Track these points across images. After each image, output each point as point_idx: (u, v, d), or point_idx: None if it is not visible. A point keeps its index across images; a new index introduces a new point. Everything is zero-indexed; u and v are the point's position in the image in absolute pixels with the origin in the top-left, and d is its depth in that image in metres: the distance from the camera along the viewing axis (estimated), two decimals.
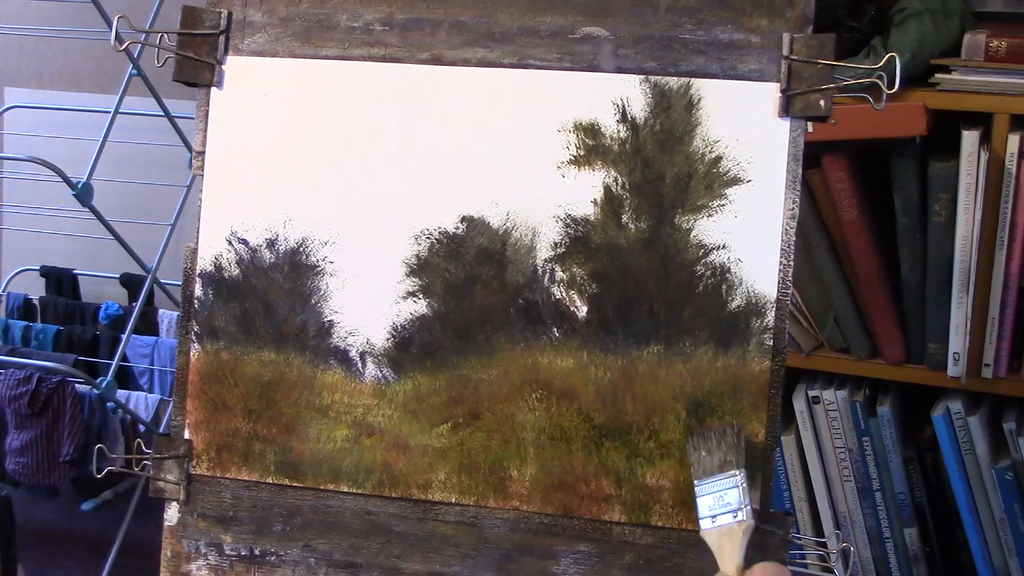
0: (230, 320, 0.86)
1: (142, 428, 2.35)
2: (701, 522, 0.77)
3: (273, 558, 0.87)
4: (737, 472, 0.76)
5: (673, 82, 0.81)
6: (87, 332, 2.57)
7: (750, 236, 0.80)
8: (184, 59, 0.86)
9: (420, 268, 0.84)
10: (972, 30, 1.44)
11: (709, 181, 0.81)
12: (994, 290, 1.41)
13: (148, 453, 0.88)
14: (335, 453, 0.85)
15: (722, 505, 0.75)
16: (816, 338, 1.55)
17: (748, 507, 0.75)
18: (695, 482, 0.78)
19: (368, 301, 0.85)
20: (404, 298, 0.84)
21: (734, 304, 0.81)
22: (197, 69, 0.87)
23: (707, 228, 0.81)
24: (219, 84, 0.87)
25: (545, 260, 0.83)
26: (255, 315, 0.86)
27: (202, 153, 0.87)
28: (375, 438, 0.85)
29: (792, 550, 0.81)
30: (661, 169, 0.81)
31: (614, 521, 0.82)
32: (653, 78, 0.82)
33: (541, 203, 0.83)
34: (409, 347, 0.84)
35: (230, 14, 0.87)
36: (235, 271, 0.86)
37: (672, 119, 0.81)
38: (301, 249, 0.86)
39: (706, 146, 0.81)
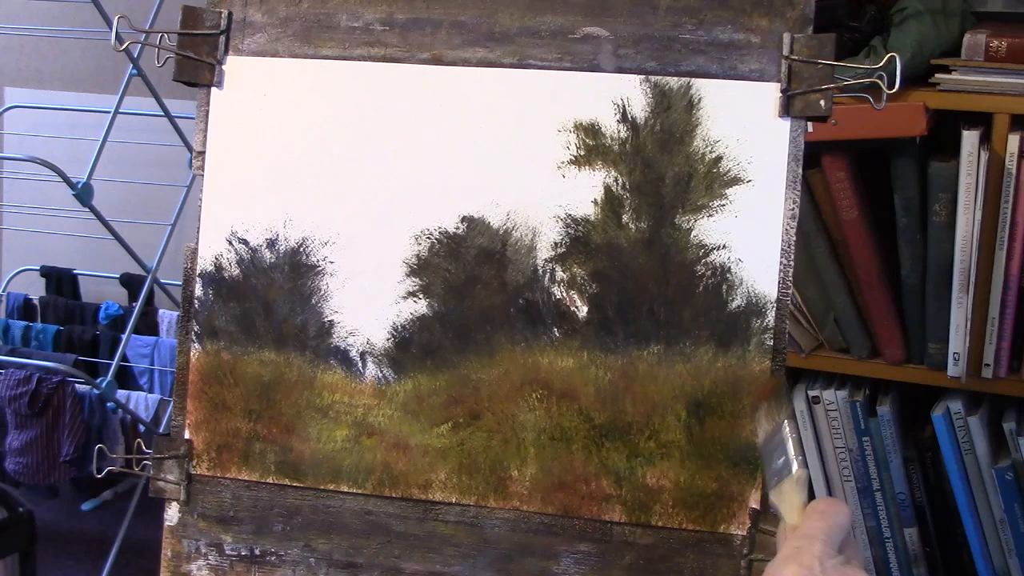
0: (230, 320, 0.86)
1: (142, 428, 2.35)
2: (769, 484, 0.74)
3: (273, 558, 0.87)
4: (783, 424, 0.74)
5: (673, 82, 0.81)
6: (87, 332, 2.57)
7: (750, 236, 0.80)
8: (184, 59, 0.86)
9: (420, 268, 0.84)
10: (972, 30, 1.44)
11: (709, 181, 0.81)
12: (994, 290, 1.41)
13: (148, 453, 0.88)
14: (335, 453, 0.85)
15: (779, 462, 0.73)
16: (816, 338, 1.55)
17: (799, 457, 0.72)
18: (761, 445, 0.76)
19: (368, 301, 0.85)
20: (404, 298, 0.84)
21: (734, 304, 0.81)
22: (197, 69, 0.87)
23: (707, 228, 0.81)
24: (219, 84, 0.87)
25: (545, 260, 0.83)
26: (255, 315, 0.86)
27: (202, 153, 0.87)
28: (375, 438, 0.85)
29: None
30: (661, 169, 0.81)
31: (614, 521, 0.82)
32: (653, 78, 0.82)
33: (541, 203, 0.83)
34: (409, 347, 0.84)
35: (230, 14, 0.87)
36: (235, 271, 0.86)
37: (672, 119, 0.81)
38: (301, 249, 0.86)
39: (706, 146, 0.81)
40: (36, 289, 2.76)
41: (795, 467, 0.72)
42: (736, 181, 0.81)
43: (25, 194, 2.66)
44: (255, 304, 0.86)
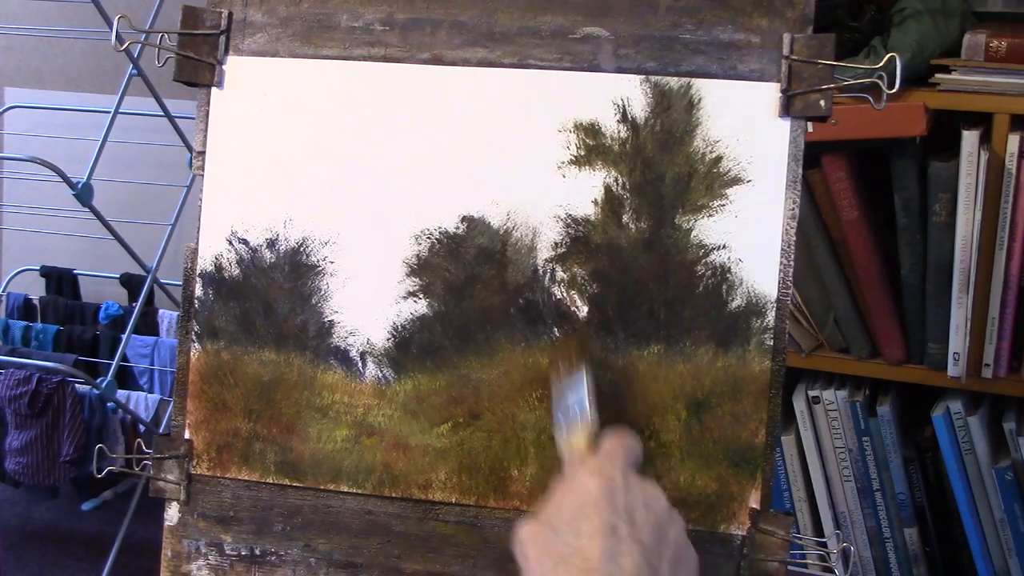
0: (230, 320, 0.86)
1: (142, 428, 2.35)
2: (556, 423, 0.76)
3: (273, 558, 0.87)
4: (583, 373, 0.75)
5: (673, 82, 0.81)
6: (87, 332, 2.57)
7: (750, 236, 0.80)
8: (184, 59, 0.86)
9: (420, 268, 0.84)
10: (972, 30, 1.44)
11: (709, 181, 0.81)
12: (994, 290, 1.41)
13: (148, 453, 0.88)
14: (335, 453, 0.85)
15: (572, 404, 0.75)
16: (816, 338, 1.55)
17: (589, 407, 0.73)
18: (558, 385, 0.77)
19: (368, 301, 0.85)
20: (404, 298, 0.84)
21: (734, 304, 0.81)
22: (197, 69, 0.87)
23: (707, 228, 0.81)
24: (219, 84, 0.87)
25: (545, 260, 0.83)
26: (255, 315, 0.86)
27: (202, 153, 0.87)
28: (375, 438, 0.85)
29: (792, 550, 0.81)
30: (661, 169, 0.81)
31: None
32: (653, 78, 0.82)
33: (541, 203, 0.83)
34: (409, 347, 0.84)
35: (230, 14, 0.87)
36: (235, 271, 0.86)
37: (672, 119, 0.81)
38: (301, 249, 0.86)
39: (706, 146, 0.81)
40: (36, 289, 2.76)
41: (589, 413, 0.73)
42: (736, 181, 0.81)
43: (25, 194, 2.66)
44: (255, 304, 0.86)
